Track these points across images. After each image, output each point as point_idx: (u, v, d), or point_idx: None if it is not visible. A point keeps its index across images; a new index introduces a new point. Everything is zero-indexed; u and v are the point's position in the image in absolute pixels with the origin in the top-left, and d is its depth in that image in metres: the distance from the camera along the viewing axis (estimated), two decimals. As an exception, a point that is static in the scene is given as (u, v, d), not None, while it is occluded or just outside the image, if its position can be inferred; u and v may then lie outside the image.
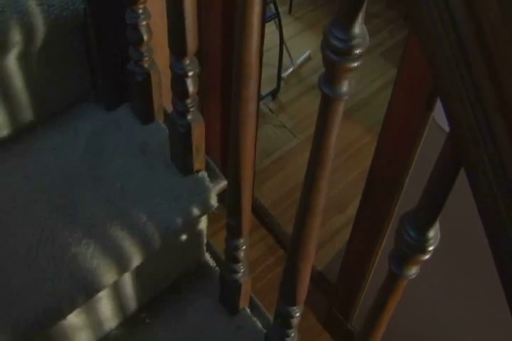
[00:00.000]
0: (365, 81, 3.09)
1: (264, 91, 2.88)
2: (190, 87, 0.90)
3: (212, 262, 1.19)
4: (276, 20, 2.79)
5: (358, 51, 0.58)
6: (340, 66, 0.60)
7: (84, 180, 1.01)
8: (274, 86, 2.91)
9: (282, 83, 2.94)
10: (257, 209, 2.70)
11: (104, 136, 1.05)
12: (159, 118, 1.08)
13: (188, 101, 0.92)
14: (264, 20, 2.28)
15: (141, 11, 0.94)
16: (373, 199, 1.89)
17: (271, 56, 2.90)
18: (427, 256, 0.67)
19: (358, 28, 0.58)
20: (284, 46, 2.88)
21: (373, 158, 1.75)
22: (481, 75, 0.47)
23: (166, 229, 0.97)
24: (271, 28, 2.86)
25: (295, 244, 0.86)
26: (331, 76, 0.62)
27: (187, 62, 0.87)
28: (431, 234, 0.65)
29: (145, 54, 0.99)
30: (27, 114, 1.03)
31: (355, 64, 0.60)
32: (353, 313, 2.33)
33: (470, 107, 0.49)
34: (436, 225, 0.66)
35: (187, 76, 0.88)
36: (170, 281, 1.15)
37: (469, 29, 0.46)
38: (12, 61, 0.96)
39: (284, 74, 2.97)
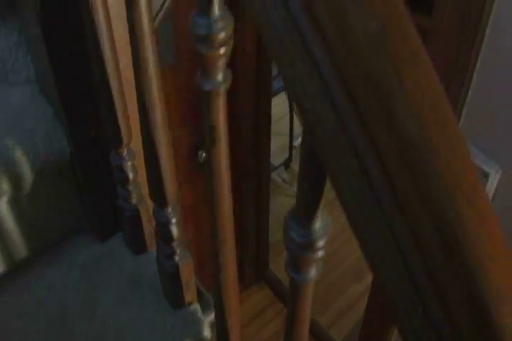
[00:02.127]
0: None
1: (276, 161, 2.89)
2: (175, 232, 0.91)
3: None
4: (286, 91, 2.82)
5: (319, 244, 0.59)
6: (305, 258, 0.60)
7: (78, 316, 1.01)
8: (286, 155, 2.93)
9: (295, 152, 2.95)
10: (273, 283, 2.69)
11: (97, 268, 1.06)
12: (152, 248, 1.09)
13: (174, 244, 0.92)
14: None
15: (125, 153, 0.95)
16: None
17: (282, 125, 2.92)
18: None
19: (317, 222, 0.58)
20: (294, 115, 2.91)
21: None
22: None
23: (158, 367, 0.97)
24: (281, 98, 2.89)
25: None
26: (296, 266, 0.62)
27: (169, 210, 0.88)
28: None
29: (132, 191, 1.00)
30: (21, 251, 1.05)
31: (319, 255, 0.60)
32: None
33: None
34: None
35: (170, 223, 0.89)
36: None
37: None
38: (3, 205, 0.97)
39: (296, 143, 2.98)
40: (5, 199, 0.97)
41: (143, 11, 0.70)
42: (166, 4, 1.10)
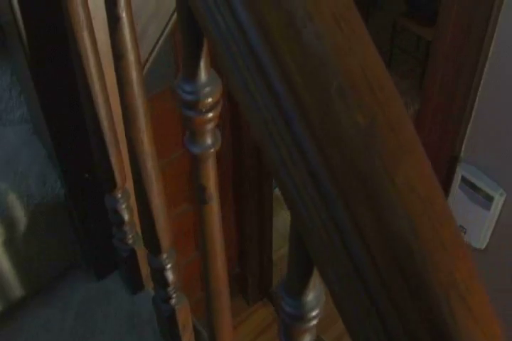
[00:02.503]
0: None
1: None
2: (170, 277, 0.90)
3: None
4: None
5: (313, 314, 0.57)
6: (298, 327, 0.59)
7: (75, 357, 1.00)
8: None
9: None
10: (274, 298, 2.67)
11: (93, 307, 1.05)
12: (149, 286, 1.07)
13: (170, 288, 0.91)
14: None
15: (119, 195, 0.94)
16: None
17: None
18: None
19: (311, 294, 0.56)
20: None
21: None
22: None
23: None
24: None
25: None
26: (288, 335, 0.60)
27: (164, 256, 0.87)
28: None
29: (128, 232, 0.99)
30: (17, 290, 1.03)
31: (312, 324, 0.59)
32: None
33: None
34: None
35: (165, 269, 0.88)
36: None
37: None
38: (-3, 247, 0.96)
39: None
40: (0, 241, 0.95)
41: (131, 60, 0.69)
42: (162, 38, 1.09)
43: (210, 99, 0.56)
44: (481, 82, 1.42)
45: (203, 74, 0.55)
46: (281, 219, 2.83)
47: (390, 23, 3.85)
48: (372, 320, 0.43)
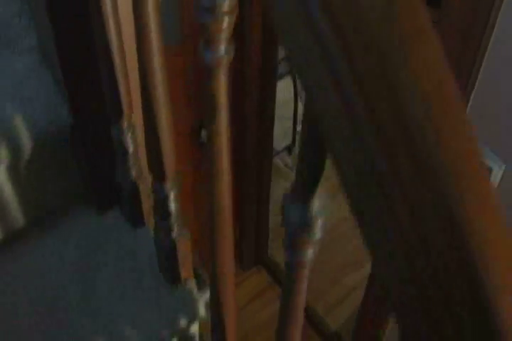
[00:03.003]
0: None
1: (279, 146, 2.88)
2: (173, 207, 0.90)
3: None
4: (291, 75, 2.80)
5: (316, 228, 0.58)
6: (303, 239, 0.59)
7: (73, 289, 1.01)
8: (289, 140, 2.91)
9: (298, 137, 2.94)
10: (271, 267, 2.69)
11: (94, 242, 1.05)
12: (149, 223, 1.08)
13: (172, 219, 0.91)
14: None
15: (125, 126, 0.94)
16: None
17: (286, 110, 2.90)
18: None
19: (316, 202, 0.57)
20: (298, 100, 2.89)
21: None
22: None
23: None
24: (286, 82, 2.87)
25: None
26: (294, 247, 0.61)
27: (168, 185, 0.87)
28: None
29: (132, 165, 0.99)
30: (18, 220, 1.04)
31: (316, 236, 0.59)
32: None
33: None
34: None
35: (169, 198, 0.88)
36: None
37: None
38: (1, 172, 0.96)
39: (300, 128, 2.96)
40: (3, 167, 0.95)
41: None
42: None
43: (226, 3, 0.56)
44: (486, 55, 1.41)
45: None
46: (279, 188, 2.84)
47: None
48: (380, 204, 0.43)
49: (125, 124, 0.94)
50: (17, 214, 1.03)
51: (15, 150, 0.94)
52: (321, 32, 0.39)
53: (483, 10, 1.37)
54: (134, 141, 0.96)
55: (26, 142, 0.94)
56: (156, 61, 0.74)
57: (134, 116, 0.94)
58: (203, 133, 2.02)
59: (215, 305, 0.88)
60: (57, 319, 0.97)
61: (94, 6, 0.81)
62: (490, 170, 1.41)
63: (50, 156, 1.00)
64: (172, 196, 0.88)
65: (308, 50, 0.40)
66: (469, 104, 1.49)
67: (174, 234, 0.93)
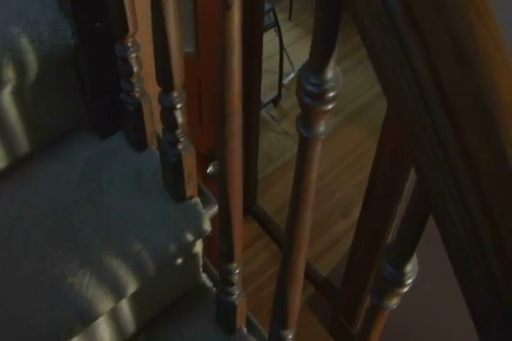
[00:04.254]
0: (367, 85, 3.11)
1: (265, 99, 2.90)
2: (179, 119, 0.92)
3: (209, 283, 1.21)
4: (276, 28, 2.81)
5: (331, 94, 0.61)
6: (316, 109, 0.62)
7: (82, 208, 1.03)
8: (275, 93, 2.93)
9: (284, 90, 2.96)
10: (260, 217, 2.73)
11: (99, 163, 1.08)
12: (152, 145, 1.11)
13: (178, 131, 0.94)
14: (261, 38, 2.30)
15: (130, 44, 0.96)
16: (375, 203, 1.91)
17: (271, 63, 2.92)
18: (405, 289, 0.70)
19: (330, 72, 0.60)
20: (284, 53, 2.91)
21: (374, 161, 1.78)
22: (443, 126, 0.49)
23: (160, 255, 1.00)
24: (271, 35, 2.89)
25: (284, 270, 0.88)
26: (307, 118, 0.64)
27: (175, 95, 0.90)
28: (408, 268, 0.68)
29: (136, 85, 1.01)
30: (24, 144, 1.06)
31: (330, 106, 0.62)
32: (357, 319, 2.36)
33: (434, 155, 0.51)
34: (413, 260, 0.68)
35: (175, 108, 0.91)
36: (167, 303, 1.17)
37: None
38: (6, 95, 0.98)
39: (286, 81, 2.99)
40: (9, 88, 0.97)
41: None
42: None
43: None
44: None
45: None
46: (267, 141, 2.87)
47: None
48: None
49: (129, 42, 0.96)
50: (23, 138, 1.05)
51: (21, 71, 0.95)
52: None
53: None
54: (138, 59, 0.98)
55: (32, 62, 0.95)
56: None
57: (138, 35, 0.96)
58: (211, 168, 1.96)
59: (223, 215, 0.91)
60: (68, 236, 1.00)
61: None
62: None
63: (55, 79, 1.02)
64: (179, 106, 0.90)
65: None
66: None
67: (180, 146, 0.96)
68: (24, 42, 0.94)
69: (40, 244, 0.99)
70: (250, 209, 2.74)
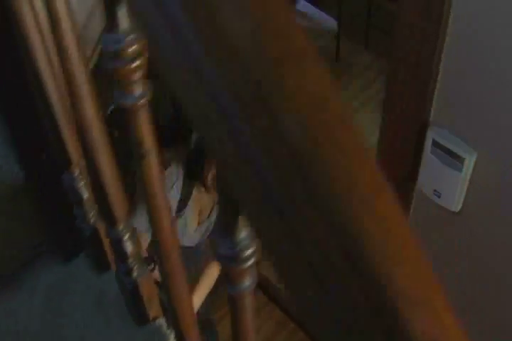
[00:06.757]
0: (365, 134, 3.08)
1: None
2: (129, 249, 0.91)
3: None
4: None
5: (247, 254, 0.59)
6: (234, 270, 0.60)
7: (44, 338, 1.01)
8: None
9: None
10: (263, 284, 2.67)
11: (61, 290, 1.06)
12: (114, 266, 1.09)
13: (130, 260, 0.93)
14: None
15: (76, 173, 0.96)
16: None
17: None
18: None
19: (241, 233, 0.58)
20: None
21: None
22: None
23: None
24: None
25: None
26: (229, 278, 0.62)
27: (120, 228, 0.88)
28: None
29: (88, 211, 1.00)
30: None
31: (249, 264, 0.60)
32: None
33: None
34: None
35: (123, 240, 0.89)
36: None
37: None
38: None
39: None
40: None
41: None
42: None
43: (134, 47, 0.58)
44: (444, 45, 1.42)
45: (124, 23, 0.57)
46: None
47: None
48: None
49: (76, 172, 0.96)
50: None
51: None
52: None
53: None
54: (86, 187, 0.98)
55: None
56: (88, 108, 0.76)
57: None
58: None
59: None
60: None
61: (31, 69, 0.82)
62: (462, 159, 1.41)
63: (8, 211, 1.02)
64: (126, 237, 0.89)
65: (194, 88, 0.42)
66: (437, 91, 1.49)
67: (135, 274, 0.94)
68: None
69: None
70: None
